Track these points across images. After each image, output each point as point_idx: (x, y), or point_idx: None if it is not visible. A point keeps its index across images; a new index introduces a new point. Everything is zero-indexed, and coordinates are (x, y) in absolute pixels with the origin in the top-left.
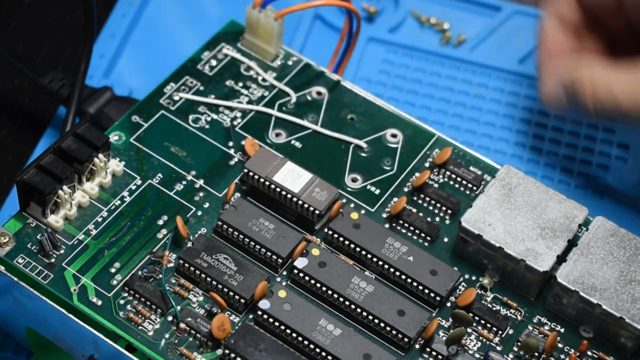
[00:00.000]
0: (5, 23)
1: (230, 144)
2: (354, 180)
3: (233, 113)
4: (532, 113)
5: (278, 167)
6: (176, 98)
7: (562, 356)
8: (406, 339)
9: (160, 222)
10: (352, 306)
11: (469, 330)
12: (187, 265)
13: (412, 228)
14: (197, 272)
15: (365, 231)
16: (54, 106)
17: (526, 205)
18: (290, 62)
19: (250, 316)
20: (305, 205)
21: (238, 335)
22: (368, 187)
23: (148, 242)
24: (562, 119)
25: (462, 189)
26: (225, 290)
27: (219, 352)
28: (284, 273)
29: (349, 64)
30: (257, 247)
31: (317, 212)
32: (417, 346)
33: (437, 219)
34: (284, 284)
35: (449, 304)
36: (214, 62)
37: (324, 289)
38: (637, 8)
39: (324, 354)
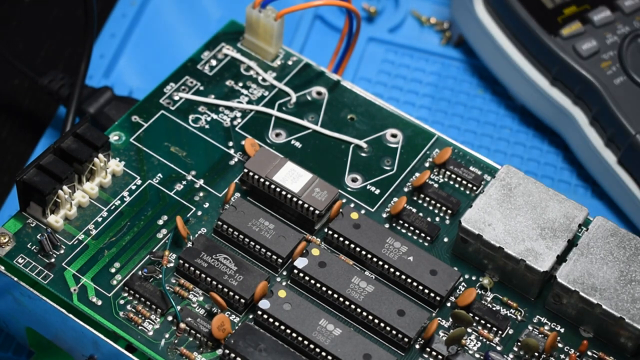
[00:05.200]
0: (5, 23)
1: (230, 144)
2: (354, 180)
3: (233, 113)
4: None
5: (278, 167)
6: (176, 98)
7: (562, 356)
8: (406, 339)
9: (160, 222)
10: (352, 306)
11: (469, 330)
12: (187, 265)
13: (412, 228)
14: (197, 272)
15: (365, 231)
16: (54, 106)
17: (526, 205)
18: (290, 62)
19: (250, 316)
20: (305, 205)
21: (238, 335)
22: (368, 187)
23: (148, 242)
24: None
25: (462, 189)
26: (225, 290)
27: (219, 352)
28: (284, 273)
29: (349, 64)
30: (257, 247)
31: (317, 212)
32: (417, 346)
33: (437, 219)
34: (284, 284)
35: (449, 304)
36: (214, 62)
37: (324, 289)
38: None
39: (324, 354)
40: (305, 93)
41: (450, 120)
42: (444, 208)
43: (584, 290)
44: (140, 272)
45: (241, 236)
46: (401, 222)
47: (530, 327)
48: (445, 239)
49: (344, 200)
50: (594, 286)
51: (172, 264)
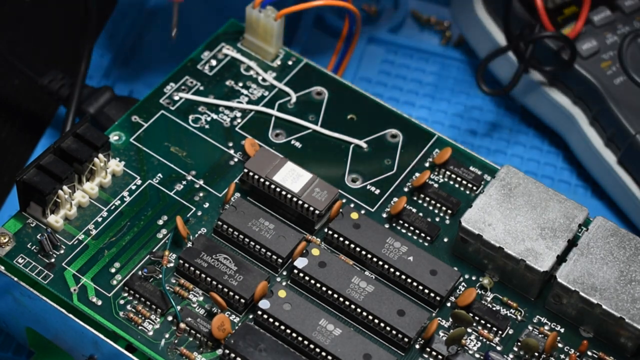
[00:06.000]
0: (5, 23)
1: (230, 144)
2: (354, 180)
3: (233, 113)
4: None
5: (278, 167)
6: (176, 98)
7: (562, 356)
8: (406, 339)
9: (160, 222)
10: (352, 306)
11: (469, 330)
12: (187, 265)
13: (412, 228)
14: (197, 272)
15: (365, 231)
16: (54, 106)
17: (526, 205)
18: (290, 62)
19: (250, 316)
20: (305, 205)
21: (238, 335)
22: (368, 187)
23: (148, 242)
24: None
25: (462, 189)
26: (225, 290)
27: (219, 352)
28: (284, 273)
29: (349, 64)
30: (257, 247)
31: (317, 212)
32: (417, 346)
33: (437, 219)
34: (284, 284)
35: (449, 304)
36: (214, 62)
37: (324, 289)
38: None
39: (324, 354)
40: (305, 93)
41: (450, 120)
42: (444, 208)
43: (584, 290)
44: (140, 272)
45: (241, 236)
46: (401, 222)
47: (530, 327)
48: (445, 239)
49: (344, 200)
50: (594, 286)
51: (172, 264)
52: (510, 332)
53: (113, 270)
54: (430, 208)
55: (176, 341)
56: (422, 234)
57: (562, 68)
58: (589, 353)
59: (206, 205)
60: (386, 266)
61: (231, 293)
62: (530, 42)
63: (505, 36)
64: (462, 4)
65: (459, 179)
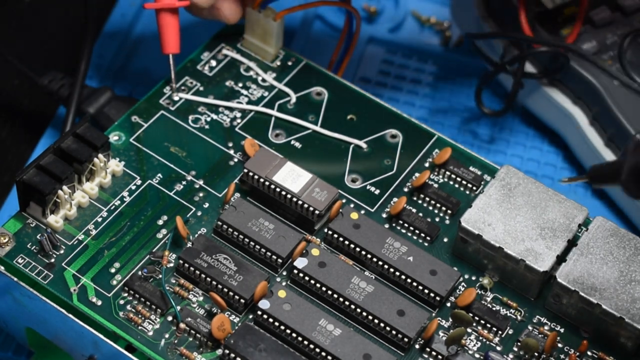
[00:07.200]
0: (5, 23)
1: (230, 144)
2: (354, 180)
3: (233, 113)
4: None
5: (278, 167)
6: (176, 98)
7: (562, 356)
8: (406, 339)
9: (160, 222)
10: (352, 306)
11: (469, 330)
12: (187, 265)
13: (412, 228)
14: (197, 272)
15: (365, 231)
16: (54, 106)
17: (526, 205)
18: (290, 63)
19: (250, 316)
20: (305, 206)
21: (238, 335)
22: (368, 187)
23: (148, 242)
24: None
25: (462, 189)
26: (225, 290)
27: (219, 352)
28: (284, 273)
29: (349, 64)
30: (257, 247)
31: (317, 212)
32: (417, 346)
33: (437, 219)
34: (283, 284)
35: (448, 304)
36: (213, 63)
37: (323, 289)
38: None
39: (323, 354)
40: (305, 93)
41: (450, 120)
42: (443, 208)
43: (583, 290)
44: (140, 272)
45: (241, 236)
46: (401, 222)
47: (530, 327)
48: (445, 239)
49: (343, 200)
50: (594, 286)
51: (172, 264)
52: (510, 332)
53: (113, 270)
54: (430, 208)
55: (176, 341)
56: (422, 234)
57: (551, 76)
58: (589, 353)
59: (206, 205)
60: (386, 266)
61: (231, 293)
62: (520, 61)
63: (491, 65)
64: (462, 4)
65: (458, 179)
